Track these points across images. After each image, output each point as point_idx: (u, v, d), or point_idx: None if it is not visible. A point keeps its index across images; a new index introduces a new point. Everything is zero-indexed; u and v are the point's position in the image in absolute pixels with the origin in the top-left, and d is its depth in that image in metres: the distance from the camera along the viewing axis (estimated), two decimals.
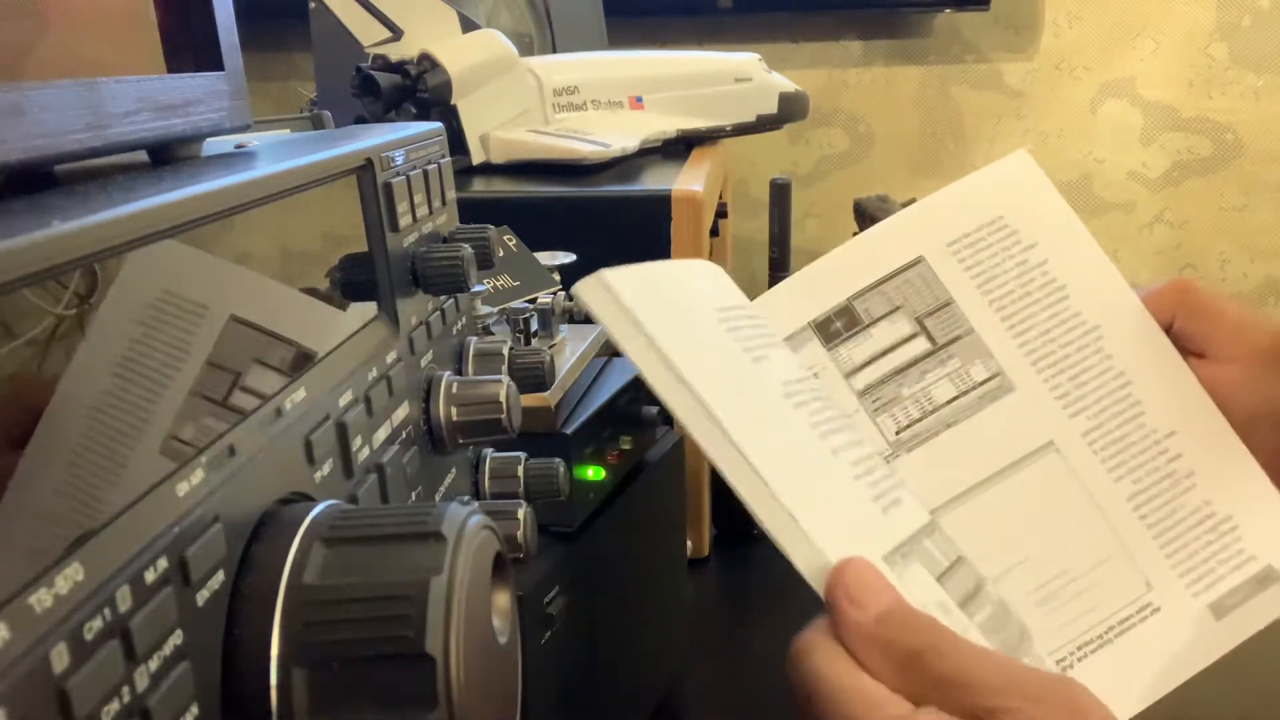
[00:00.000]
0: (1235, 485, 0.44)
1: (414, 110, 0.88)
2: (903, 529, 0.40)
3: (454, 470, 0.41)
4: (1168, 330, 0.46)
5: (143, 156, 0.32)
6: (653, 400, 0.62)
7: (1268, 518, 0.44)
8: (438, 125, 0.43)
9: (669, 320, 0.39)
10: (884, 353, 0.45)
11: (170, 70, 0.32)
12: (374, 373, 0.33)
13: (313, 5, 0.99)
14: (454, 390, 0.39)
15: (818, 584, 0.37)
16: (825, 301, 0.46)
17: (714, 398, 0.38)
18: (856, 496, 0.40)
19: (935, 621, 0.36)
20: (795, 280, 0.46)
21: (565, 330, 0.58)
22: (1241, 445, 0.44)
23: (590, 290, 0.39)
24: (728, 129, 1.03)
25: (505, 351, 0.43)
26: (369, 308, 0.35)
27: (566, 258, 0.63)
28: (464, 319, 0.44)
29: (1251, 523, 0.43)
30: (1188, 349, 0.46)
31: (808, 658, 0.36)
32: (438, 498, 0.39)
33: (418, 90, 0.87)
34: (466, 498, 0.43)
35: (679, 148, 0.99)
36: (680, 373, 0.38)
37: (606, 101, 0.98)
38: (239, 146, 0.37)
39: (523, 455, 0.45)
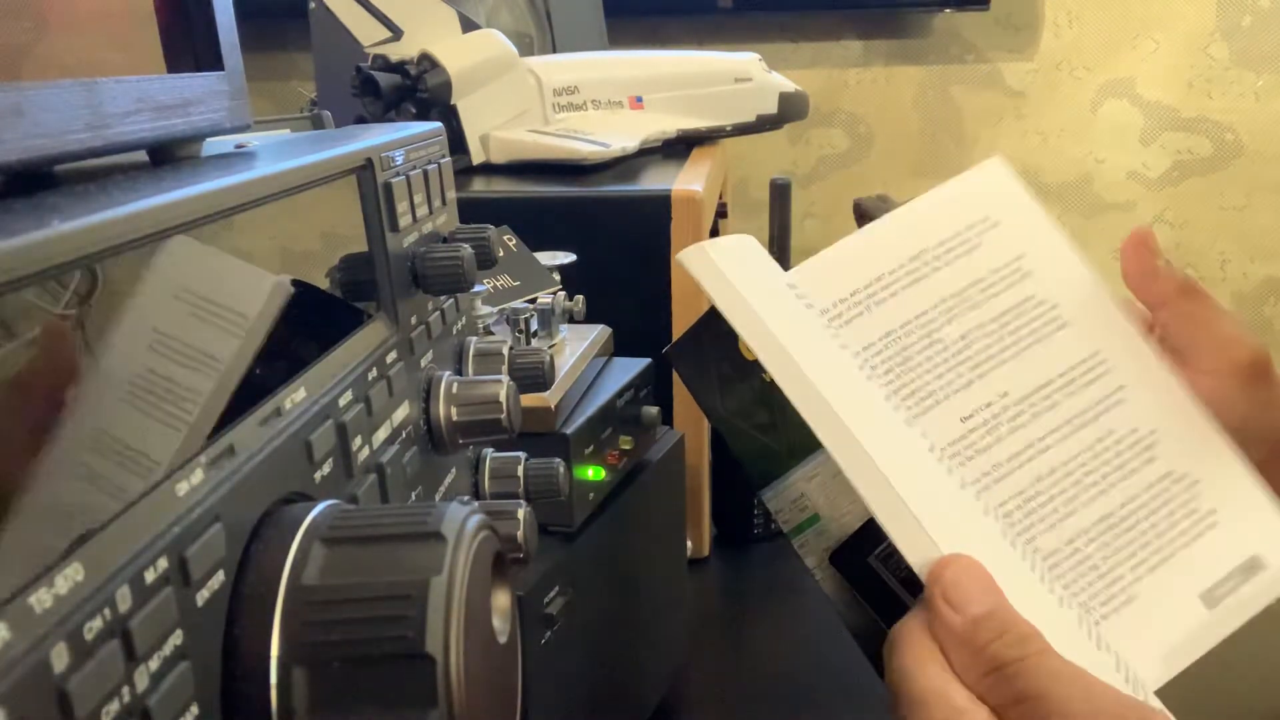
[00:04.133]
0: (1215, 477, 0.44)
1: (414, 110, 0.88)
2: (993, 517, 0.41)
3: (454, 470, 0.41)
4: (1150, 319, 0.46)
5: (143, 156, 0.32)
6: (652, 400, 0.62)
7: (1248, 508, 0.44)
8: (438, 125, 0.43)
9: (765, 296, 0.42)
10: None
11: (170, 70, 0.32)
12: (374, 373, 0.33)
13: (313, 5, 0.99)
14: (454, 390, 0.39)
15: (925, 574, 0.37)
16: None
17: (819, 376, 0.40)
18: (949, 481, 0.40)
19: (1032, 634, 0.35)
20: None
21: (565, 330, 0.58)
22: (1219, 437, 0.45)
23: (694, 260, 0.41)
24: (728, 129, 1.03)
25: (505, 351, 0.43)
26: (369, 308, 0.35)
27: (566, 258, 0.63)
28: (464, 319, 0.44)
29: (1232, 513, 0.44)
30: (1168, 344, 0.46)
31: (900, 648, 0.36)
32: (438, 498, 0.39)
33: (418, 90, 0.88)
34: (466, 498, 0.43)
35: (679, 148, 0.99)
36: (788, 349, 0.40)
37: (606, 101, 0.98)
38: (239, 146, 0.37)
39: (523, 455, 0.45)
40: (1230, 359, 0.45)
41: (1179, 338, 0.45)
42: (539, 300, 0.57)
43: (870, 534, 0.46)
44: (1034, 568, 0.41)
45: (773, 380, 0.42)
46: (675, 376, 0.74)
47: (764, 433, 0.47)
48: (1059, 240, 0.47)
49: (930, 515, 0.38)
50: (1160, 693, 0.42)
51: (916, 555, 0.38)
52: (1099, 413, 0.45)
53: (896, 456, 0.40)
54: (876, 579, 0.46)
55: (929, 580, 0.37)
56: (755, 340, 0.41)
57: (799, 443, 0.47)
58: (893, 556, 0.46)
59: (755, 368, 0.47)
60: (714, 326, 0.48)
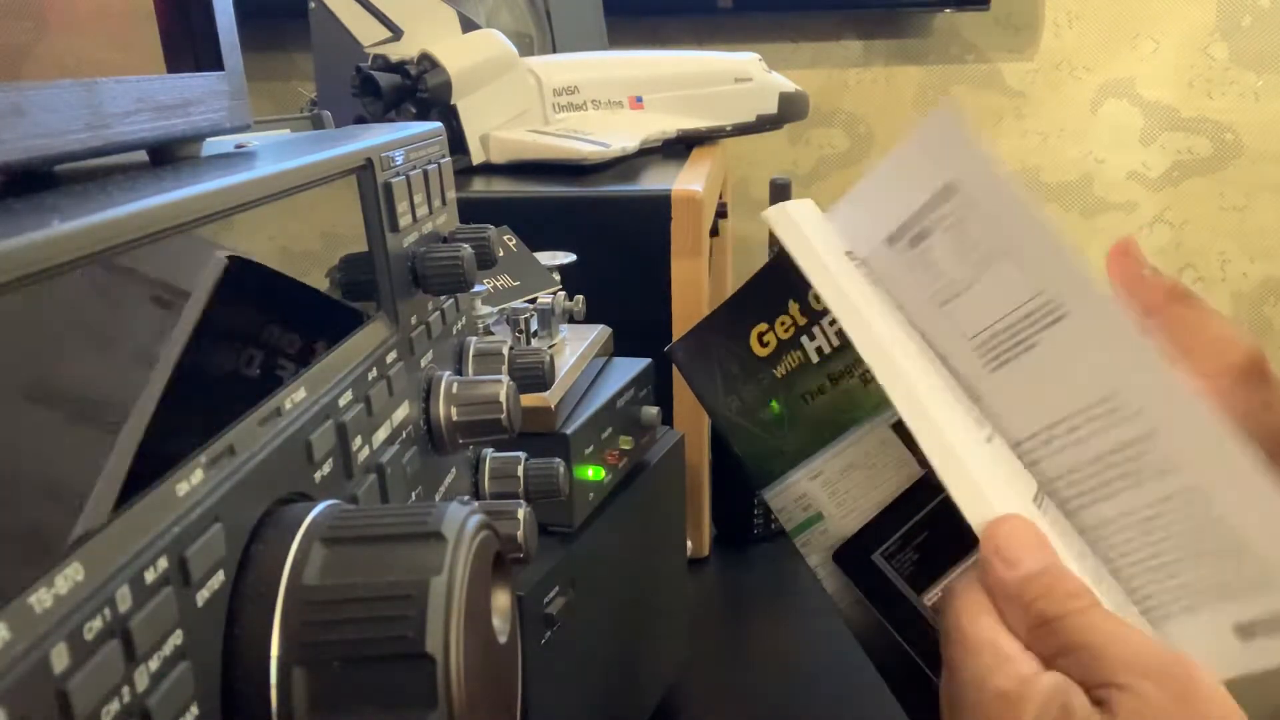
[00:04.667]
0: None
1: (414, 110, 0.88)
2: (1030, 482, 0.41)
3: (454, 470, 0.41)
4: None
5: (143, 156, 0.32)
6: (652, 400, 0.62)
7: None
8: (438, 125, 0.43)
9: (839, 259, 0.42)
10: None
11: (170, 70, 0.32)
12: (374, 373, 0.33)
13: (313, 5, 0.99)
14: (454, 390, 0.39)
15: (981, 531, 0.38)
16: None
17: (892, 336, 0.40)
18: (998, 450, 0.41)
19: (1080, 590, 0.36)
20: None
21: (565, 330, 0.58)
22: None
23: (779, 220, 0.42)
24: (728, 129, 1.03)
25: (505, 351, 0.43)
26: (369, 308, 0.35)
27: (566, 258, 0.63)
28: (464, 319, 0.44)
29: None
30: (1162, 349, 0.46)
31: (955, 600, 0.38)
32: (438, 498, 0.39)
33: (418, 90, 0.87)
34: (466, 498, 0.43)
35: (679, 148, 0.99)
36: (868, 311, 0.40)
37: (606, 101, 0.98)
38: (239, 146, 0.37)
39: (523, 455, 0.45)
40: (1226, 361, 0.45)
41: (1173, 343, 0.46)
42: (539, 300, 0.57)
43: (874, 532, 0.46)
44: (1081, 537, 0.41)
45: (808, 360, 0.42)
46: (675, 376, 0.74)
47: (767, 431, 0.47)
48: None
49: (992, 475, 0.39)
50: None
51: (975, 512, 0.38)
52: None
53: (960, 418, 0.40)
54: (881, 576, 0.46)
55: (984, 537, 0.38)
56: (837, 301, 0.41)
57: (803, 441, 0.47)
58: (897, 554, 0.46)
59: (764, 365, 0.47)
60: (719, 324, 0.48)
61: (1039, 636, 0.36)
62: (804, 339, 0.47)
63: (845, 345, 0.44)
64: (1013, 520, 0.38)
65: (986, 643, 0.36)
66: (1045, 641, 0.35)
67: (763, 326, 0.47)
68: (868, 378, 0.45)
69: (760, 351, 0.47)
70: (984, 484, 0.38)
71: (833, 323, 0.46)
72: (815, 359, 0.46)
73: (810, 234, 0.43)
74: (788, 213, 0.44)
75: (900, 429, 0.42)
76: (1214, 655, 0.40)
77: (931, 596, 0.46)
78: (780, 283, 0.46)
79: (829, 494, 0.46)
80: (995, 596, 0.37)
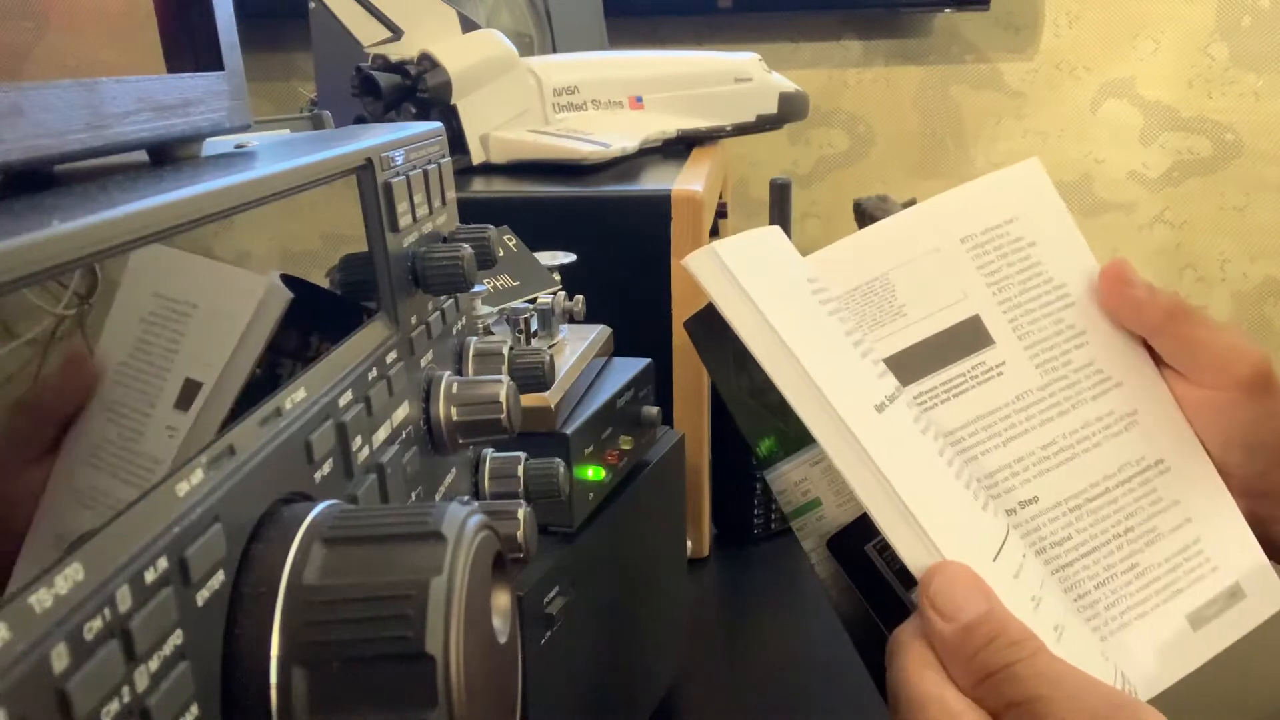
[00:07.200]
0: (1203, 500, 0.45)
1: (414, 110, 0.88)
2: (999, 527, 0.41)
3: (454, 470, 0.41)
4: (1146, 341, 0.47)
5: (143, 156, 0.32)
6: (652, 400, 0.62)
7: (1231, 534, 0.45)
8: (438, 125, 0.43)
9: (775, 295, 0.41)
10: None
11: (170, 70, 0.32)
12: (374, 373, 0.33)
13: (313, 5, 0.99)
14: (454, 390, 0.39)
15: (919, 578, 0.38)
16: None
17: (824, 379, 0.39)
18: (959, 493, 0.41)
19: (1023, 638, 0.35)
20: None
21: (565, 330, 0.58)
22: (1209, 462, 0.46)
23: (701, 263, 0.41)
24: (728, 129, 1.03)
25: (505, 351, 0.43)
26: (369, 308, 0.35)
27: (566, 258, 0.63)
28: (464, 319, 0.44)
29: (1217, 538, 0.45)
30: (1166, 364, 0.47)
31: (897, 655, 0.37)
32: (438, 498, 0.39)
33: (418, 90, 0.88)
34: (466, 498, 0.43)
35: (679, 148, 0.99)
36: (792, 351, 0.39)
37: (606, 101, 0.98)
38: (239, 146, 0.37)
39: (523, 455, 0.45)
40: (1231, 374, 0.45)
41: (1177, 359, 0.46)
42: (539, 300, 0.57)
43: (870, 523, 0.46)
44: (1035, 573, 0.41)
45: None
46: (675, 376, 0.74)
47: (775, 413, 0.47)
48: (1079, 241, 0.48)
49: (929, 518, 0.38)
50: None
51: (913, 558, 0.38)
52: (1115, 433, 0.45)
53: (898, 458, 0.40)
54: (871, 567, 0.46)
55: (920, 588, 0.37)
56: (758, 347, 0.41)
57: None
58: (889, 548, 0.46)
59: None
60: None
61: (986, 690, 0.35)
62: None
63: None
64: (948, 568, 0.37)
65: (933, 700, 0.35)
66: (992, 695, 0.34)
67: None
68: None
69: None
70: (924, 525, 0.38)
71: None
72: None
73: (746, 276, 0.41)
74: (717, 257, 0.41)
75: None
76: (1176, 649, 0.43)
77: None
78: None
79: (828, 482, 0.46)
80: (937, 650, 0.36)
